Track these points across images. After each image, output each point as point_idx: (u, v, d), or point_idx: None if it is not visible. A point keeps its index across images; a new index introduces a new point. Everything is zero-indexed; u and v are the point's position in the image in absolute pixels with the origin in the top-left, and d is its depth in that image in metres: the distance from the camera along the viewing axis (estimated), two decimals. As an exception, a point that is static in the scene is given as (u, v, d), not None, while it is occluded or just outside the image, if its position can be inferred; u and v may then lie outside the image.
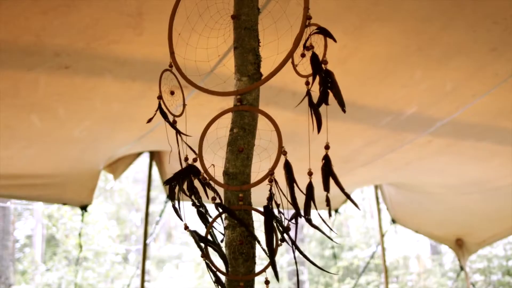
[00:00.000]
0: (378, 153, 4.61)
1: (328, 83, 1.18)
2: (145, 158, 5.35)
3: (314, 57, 1.21)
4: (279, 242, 1.23)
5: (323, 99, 1.20)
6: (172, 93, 1.39)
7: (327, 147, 1.20)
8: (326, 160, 1.18)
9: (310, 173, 1.21)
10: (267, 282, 1.20)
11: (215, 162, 1.29)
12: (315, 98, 1.22)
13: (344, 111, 1.17)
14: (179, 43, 1.45)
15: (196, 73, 1.45)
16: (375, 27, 2.82)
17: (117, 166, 5.18)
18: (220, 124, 1.29)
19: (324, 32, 1.22)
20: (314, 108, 1.22)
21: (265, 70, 1.26)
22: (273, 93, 3.37)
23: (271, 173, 1.21)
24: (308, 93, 1.24)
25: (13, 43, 2.74)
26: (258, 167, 1.28)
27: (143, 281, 5.21)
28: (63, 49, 2.83)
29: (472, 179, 5.77)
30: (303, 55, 1.27)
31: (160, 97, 1.37)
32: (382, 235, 6.98)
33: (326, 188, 1.14)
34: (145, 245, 5.28)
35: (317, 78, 1.21)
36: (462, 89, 3.56)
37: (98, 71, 3.10)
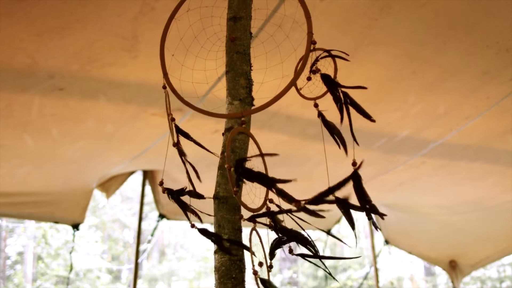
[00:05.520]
0: (371, 174, 4.62)
1: (347, 102, 1.21)
2: (136, 176, 5.34)
3: (327, 77, 1.23)
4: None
5: (345, 117, 1.22)
6: (173, 119, 1.39)
7: (354, 164, 1.22)
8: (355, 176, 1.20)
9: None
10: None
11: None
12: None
13: (373, 121, 1.19)
14: (172, 66, 1.45)
15: (192, 95, 1.45)
16: (369, 50, 2.84)
17: (110, 184, 5.16)
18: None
19: (333, 55, 1.24)
20: (330, 127, 1.24)
21: (269, 93, 1.26)
22: (267, 116, 3.38)
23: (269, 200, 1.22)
24: (321, 114, 1.25)
25: (7, 64, 2.73)
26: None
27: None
28: (58, 71, 2.83)
29: (465, 199, 5.78)
30: (309, 79, 1.29)
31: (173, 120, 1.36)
32: (375, 256, 6.96)
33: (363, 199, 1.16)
34: (136, 264, 5.24)
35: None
36: (455, 112, 3.58)
37: (93, 93, 3.10)
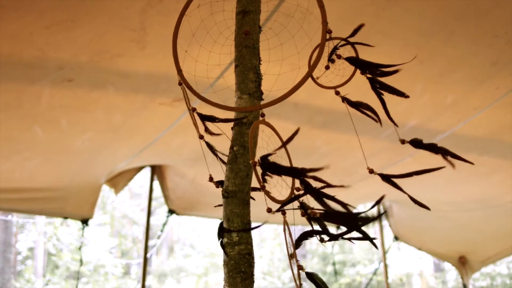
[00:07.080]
0: (379, 166, 4.59)
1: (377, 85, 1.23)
2: (144, 172, 5.37)
3: (354, 60, 1.26)
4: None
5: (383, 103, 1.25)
6: (193, 109, 1.38)
7: (403, 142, 1.23)
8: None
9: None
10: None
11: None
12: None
13: (407, 97, 1.20)
14: (183, 58, 1.46)
15: (199, 88, 1.46)
16: (376, 40, 2.84)
17: (119, 180, 5.20)
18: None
19: (352, 42, 1.25)
20: (358, 105, 1.26)
21: (279, 85, 1.27)
22: (275, 105, 3.38)
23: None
24: (345, 99, 1.27)
25: (16, 56, 2.76)
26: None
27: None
28: (67, 62, 2.86)
29: (474, 196, 5.75)
30: (327, 67, 1.29)
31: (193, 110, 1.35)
32: (385, 252, 6.95)
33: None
34: (145, 259, 5.27)
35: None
36: (463, 103, 3.56)
37: (101, 84, 3.12)
